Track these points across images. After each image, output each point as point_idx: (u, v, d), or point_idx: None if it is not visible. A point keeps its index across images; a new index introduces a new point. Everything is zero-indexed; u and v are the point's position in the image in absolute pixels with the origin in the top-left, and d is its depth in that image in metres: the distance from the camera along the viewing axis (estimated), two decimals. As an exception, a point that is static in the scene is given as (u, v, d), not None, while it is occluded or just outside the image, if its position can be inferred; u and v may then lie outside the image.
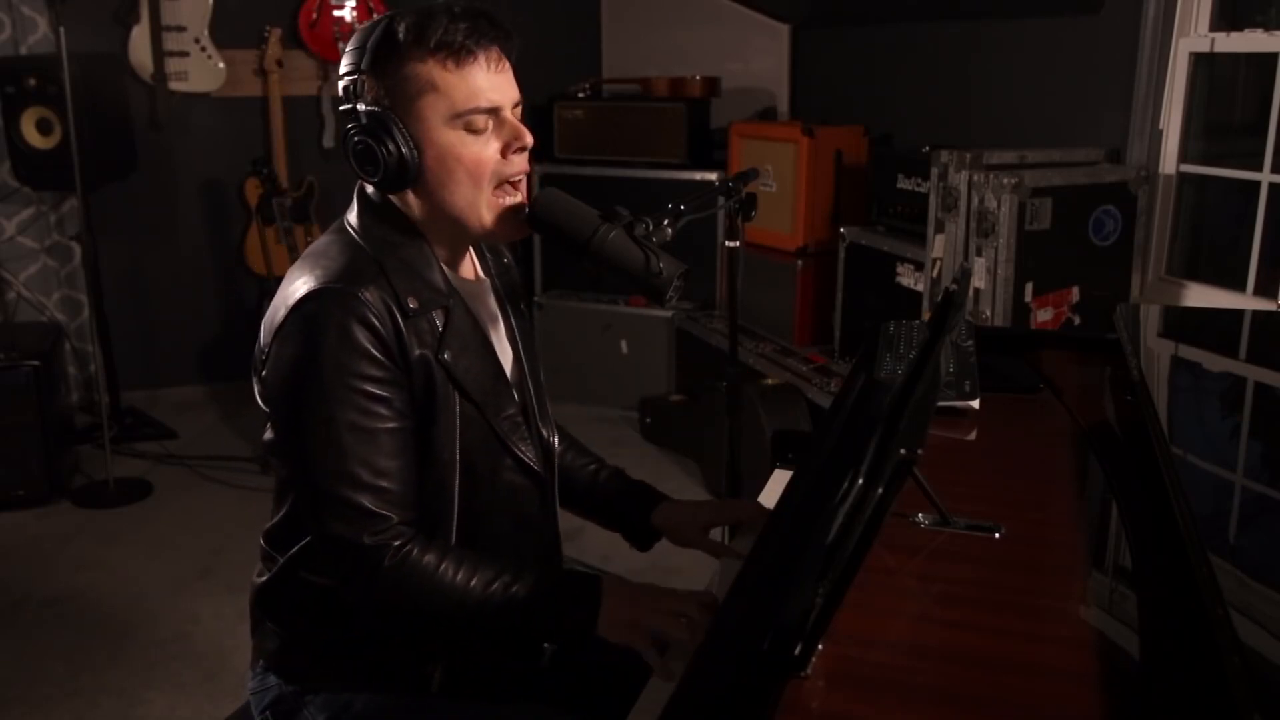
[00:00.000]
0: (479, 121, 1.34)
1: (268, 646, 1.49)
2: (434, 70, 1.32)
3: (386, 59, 1.32)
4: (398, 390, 1.33)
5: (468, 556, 1.35)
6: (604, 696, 1.52)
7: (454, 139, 1.34)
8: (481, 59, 1.33)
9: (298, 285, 1.33)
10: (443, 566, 1.32)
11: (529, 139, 1.38)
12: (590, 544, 3.05)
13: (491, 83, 1.34)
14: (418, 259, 1.38)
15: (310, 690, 1.46)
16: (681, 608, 1.33)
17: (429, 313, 1.36)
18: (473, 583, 1.32)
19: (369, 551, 1.30)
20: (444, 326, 1.37)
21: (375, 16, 1.46)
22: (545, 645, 1.49)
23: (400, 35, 1.31)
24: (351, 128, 1.35)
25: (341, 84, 1.37)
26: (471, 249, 1.51)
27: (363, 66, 1.33)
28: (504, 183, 1.38)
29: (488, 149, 1.36)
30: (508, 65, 1.37)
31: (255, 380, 1.41)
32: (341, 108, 1.37)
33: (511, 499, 1.47)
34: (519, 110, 1.39)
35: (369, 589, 1.31)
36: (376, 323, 1.30)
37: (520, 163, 1.39)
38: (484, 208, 1.38)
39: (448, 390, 1.37)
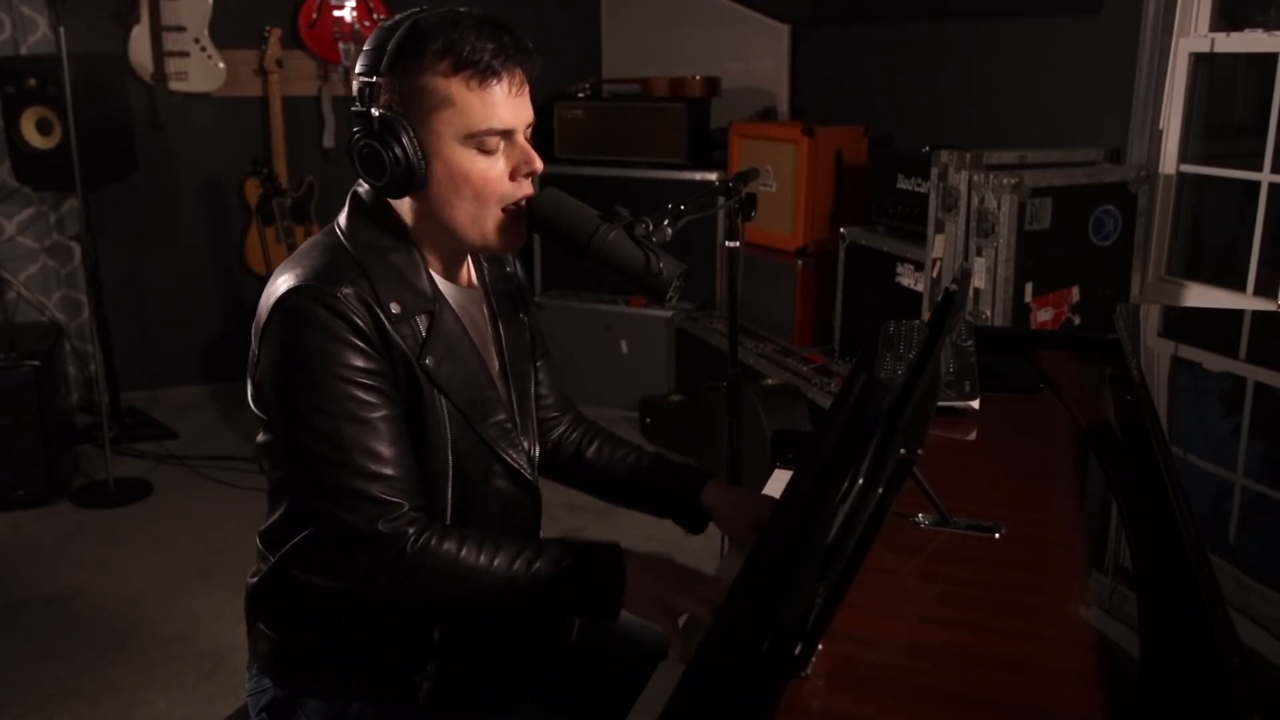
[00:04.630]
0: (491, 143, 1.34)
1: (260, 649, 1.49)
2: (455, 87, 1.30)
3: (406, 66, 1.31)
4: (386, 380, 1.33)
5: (486, 538, 1.34)
6: (599, 699, 1.52)
7: (464, 156, 1.33)
8: (505, 81, 1.32)
9: (278, 285, 1.33)
10: (464, 550, 1.32)
11: (538, 165, 1.38)
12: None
13: (509, 106, 1.34)
14: (405, 264, 1.38)
15: (304, 694, 1.45)
16: (711, 594, 1.32)
17: (412, 318, 1.35)
18: (495, 562, 1.32)
19: (386, 539, 1.29)
20: (427, 332, 1.37)
21: (376, 16, 1.45)
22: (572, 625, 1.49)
23: (424, 45, 1.30)
24: (360, 130, 1.34)
25: (356, 84, 1.36)
26: (470, 256, 1.51)
27: (381, 70, 1.31)
28: (510, 205, 1.38)
29: (495, 168, 1.35)
30: (527, 88, 1.37)
31: (249, 384, 1.41)
32: (353, 109, 1.36)
33: (502, 505, 1.47)
34: (530, 132, 1.39)
35: (390, 579, 1.31)
36: (356, 318, 1.30)
37: (526, 187, 1.39)
38: (489, 224, 1.37)
39: (433, 394, 1.37)
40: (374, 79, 1.32)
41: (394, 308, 1.33)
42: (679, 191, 3.60)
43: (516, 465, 1.46)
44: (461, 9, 1.33)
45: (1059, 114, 3.54)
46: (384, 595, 1.33)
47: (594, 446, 1.68)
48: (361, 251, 1.36)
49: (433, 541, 1.31)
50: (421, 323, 1.37)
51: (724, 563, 1.58)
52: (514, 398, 1.51)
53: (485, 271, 1.55)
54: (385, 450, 1.31)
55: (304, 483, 1.35)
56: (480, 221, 1.37)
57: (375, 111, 1.32)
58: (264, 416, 1.40)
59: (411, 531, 1.31)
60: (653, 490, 1.65)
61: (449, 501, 1.40)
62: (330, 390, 1.29)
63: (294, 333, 1.30)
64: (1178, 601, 1.07)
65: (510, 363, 1.52)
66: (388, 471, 1.31)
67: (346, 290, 1.30)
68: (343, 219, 1.41)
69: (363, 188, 1.41)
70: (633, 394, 4.38)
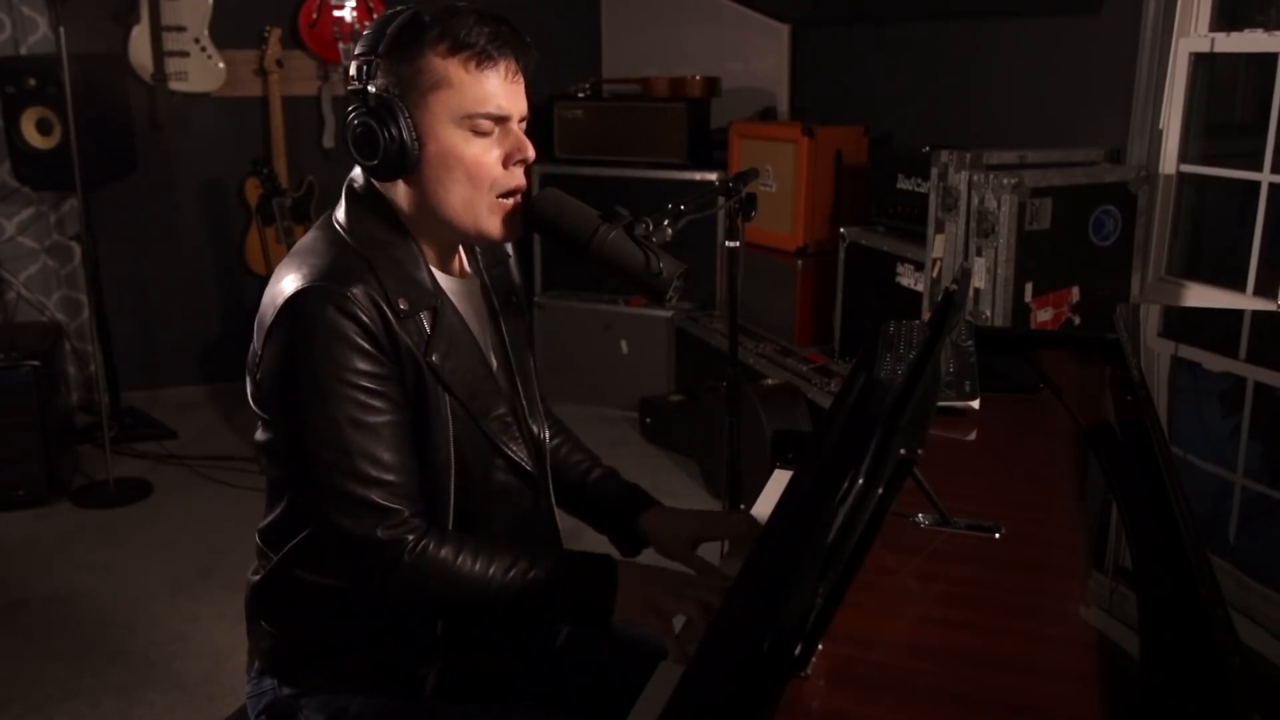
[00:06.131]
0: (486, 126, 1.34)
1: (262, 646, 1.49)
2: (452, 67, 1.32)
3: (406, 47, 1.32)
4: (392, 384, 1.33)
5: (482, 545, 1.35)
6: (600, 698, 1.52)
7: (458, 138, 1.34)
8: (501, 66, 1.34)
9: (285, 284, 1.32)
10: (460, 557, 1.32)
11: (530, 153, 1.39)
12: (591, 542, 3.05)
13: (505, 91, 1.35)
14: (406, 258, 1.38)
15: (306, 693, 1.45)
16: (701, 594, 1.33)
17: (417, 314, 1.36)
18: (491, 570, 1.33)
19: (385, 546, 1.30)
20: (431, 328, 1.37)
21: (376, 16, 1.45)
22: (561, 628, 1.49)
23: (425, 28, 1.32)
24: (356, 109, 1.34)
25: (354, 64, 1.36)
26: (461, 246, 1.50)
27: (380, 50, 1.33)
28: (503, 194, 1.38)
29: (489, 154, 1.36)
30: (522, 79, 1.38)
31: (249, 382, 1.41)
32: (350, 87, 1.37)
33: (505, 499, 1.47)
34: (524, 125, 1.40)
35: (385, 584, 1.31)
36: (365, 319, 1.30)
37: (519, 176, 1.39)
38: (483, 210, 1.37)
39: (437, 391, 1.37)
40: (372, 58, 1.33)
41: (402, 304, 1.34)
42: (679, 191, 3.61)
43: (517, 459, 1.46)
44: (461, 3, 1.35)
45: (1059, 114, 3.54)
46: (379, 599, 1.34)
47: (554, 443, 1.68)
48: (364, 246, 1.36)
49: (430, 548, 1.32)
50: (426, 319, 1.37)
51: (724, 563, 1.58)
52: (518, 387, 1.51)
53: (479, 259, 1.54)
54: (388, 456, 1.31)
55: (304, 485, 1.35)
56: (473, 206, 1.37)
57: (372, 89, 1.33)
58: (264, 415, 1.40)
59: (410, 538, 1.31)
60: (595, 504, 1.66)
61: (451, 497, 1.40)
62: (335, 394, 1.29)
63: (301, 335, 1.30)
64: (1178, 601, 1.07)
65: (512, 352, 1.52)
66: (389, 477, 1.31)
67: (356, 290, 1.30)
68: (340, 213, 1.41)
69: (358, 180, 1.41)
70: (633, 394, 4.37)
